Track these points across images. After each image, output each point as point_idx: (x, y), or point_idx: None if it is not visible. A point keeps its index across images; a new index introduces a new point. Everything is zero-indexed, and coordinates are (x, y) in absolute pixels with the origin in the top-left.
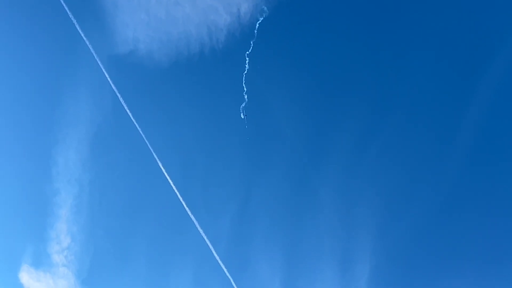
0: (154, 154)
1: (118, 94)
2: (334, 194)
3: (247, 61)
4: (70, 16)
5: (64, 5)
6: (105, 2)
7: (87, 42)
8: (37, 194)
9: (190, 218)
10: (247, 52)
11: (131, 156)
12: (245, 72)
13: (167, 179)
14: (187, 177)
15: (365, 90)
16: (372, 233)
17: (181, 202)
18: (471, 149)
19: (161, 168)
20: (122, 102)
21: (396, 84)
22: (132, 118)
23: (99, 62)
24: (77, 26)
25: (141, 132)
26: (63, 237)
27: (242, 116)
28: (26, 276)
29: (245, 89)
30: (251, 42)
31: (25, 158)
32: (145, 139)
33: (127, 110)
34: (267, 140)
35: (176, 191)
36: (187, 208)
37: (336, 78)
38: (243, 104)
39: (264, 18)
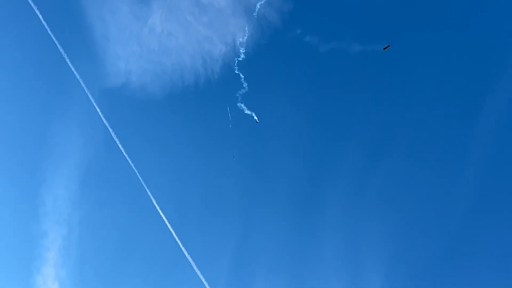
0: (148, 190)
1: (109, 129)
2: (336, 233)
3: (244, 87)
4: (60, 49)
5: (53, 37)
6: (96, 35)
7: (77, 76)
8: (23, 237)
9: (187, 258)
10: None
11: (123, 193)
12: (241, 103)
13: (162, 217)
14: (183, 215)
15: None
16: (377, 274)
17: (177, 241)
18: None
19: (155, 206)
20: (114, 137)
21: (397, 121)
22: (124, 153)
23: (89, 96)
24: (67, 59)
25: (134, 167)
26: (50, 283)
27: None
28: None
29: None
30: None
31: (10, 198)
32: (138, 175)
33: (119, 145)
34: (265, 175)
35: (171, 230)
36: (183, 248)
37: (338, 114)
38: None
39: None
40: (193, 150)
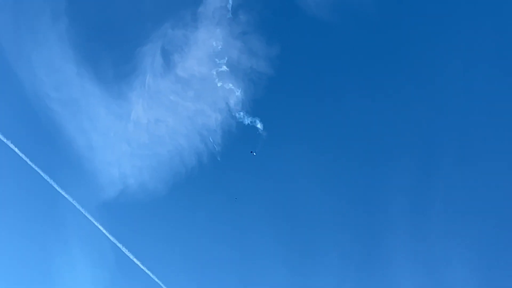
0: None
1: (119, 244)
2: None
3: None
4: (43, 175)
5: (34, 166)
6: (78, 148)
7: (70, 198)
8: None
9: None
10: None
11: None
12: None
13: None
14: None
15: None
16: None
17: None
18: None
19: None
20: (126, 251)
21: None
22: (141, 266)
23: (88, 216)
24: (54, 185)
25: (157, 280)
26: None
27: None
28: None
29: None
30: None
31: None
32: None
33: (134, 259)
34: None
35: None
36: None
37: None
38: None
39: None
40: (217, 240)
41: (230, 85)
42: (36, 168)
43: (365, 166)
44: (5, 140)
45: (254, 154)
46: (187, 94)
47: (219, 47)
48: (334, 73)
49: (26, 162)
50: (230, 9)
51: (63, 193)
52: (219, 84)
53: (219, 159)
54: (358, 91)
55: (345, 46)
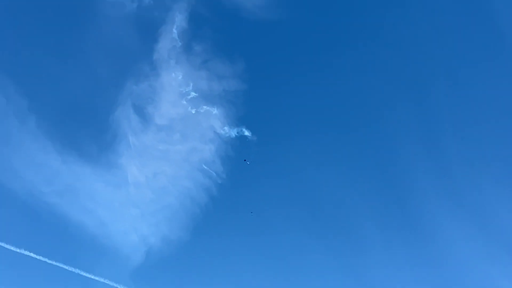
0: None
1: None
2: None
3: None
4: (68, 268)
5: (56, 263)
6: (90, 229)
7: (101, 279)
8: None
9: None
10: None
11: None
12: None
13: None
14: None
15: None
16: None
17: None
18: None
19: None
20: None
21: None
22: None
23: None
24: (81, 273)
25: None
26: None
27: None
28: None
29: None
30: None
31: None
32: None
33: None
34: None
35: None
36: None
37: None
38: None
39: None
40: (255, 262)
41: (204, 107)
42: (58, 264)
43: (369, 143)
44: (18, 250)
45: (248, 163)
46: (173, 138)
47: (179, 77)
48: (303, 66)
49: (46, 262)
50: (177, 37)
51: (92, 277)
52: (193, 111)
53: (222, 183)
54: (325, 79)
55: (299, 40)
